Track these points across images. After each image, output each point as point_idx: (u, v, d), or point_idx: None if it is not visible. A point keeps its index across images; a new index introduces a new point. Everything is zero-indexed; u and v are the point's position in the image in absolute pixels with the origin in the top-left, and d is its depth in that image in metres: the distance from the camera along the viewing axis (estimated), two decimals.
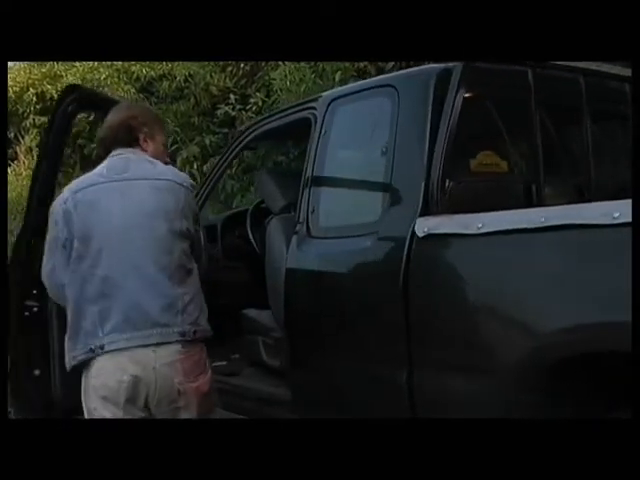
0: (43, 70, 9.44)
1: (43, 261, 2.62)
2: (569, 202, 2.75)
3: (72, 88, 3.56)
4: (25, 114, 9.40)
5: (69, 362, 2.51)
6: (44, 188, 3.30)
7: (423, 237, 2.58)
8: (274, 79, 7.27)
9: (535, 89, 2.85)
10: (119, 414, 2.41)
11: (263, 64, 7.99)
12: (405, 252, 2.63)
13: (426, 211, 2.66)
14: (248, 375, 3.84)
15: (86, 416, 2.51)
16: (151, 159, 2.65)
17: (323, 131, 3.24)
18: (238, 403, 3.65)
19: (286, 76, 7.07)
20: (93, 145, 8.70)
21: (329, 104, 3.27)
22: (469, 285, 2.48)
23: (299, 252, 3.19)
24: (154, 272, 2.44)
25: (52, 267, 2.58)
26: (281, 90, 7.05)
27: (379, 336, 2.78)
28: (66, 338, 2.53)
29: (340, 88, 3.72)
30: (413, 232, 2.62)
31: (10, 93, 9.22)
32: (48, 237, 2.59)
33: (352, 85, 3.61)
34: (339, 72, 6.86)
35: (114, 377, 2.40)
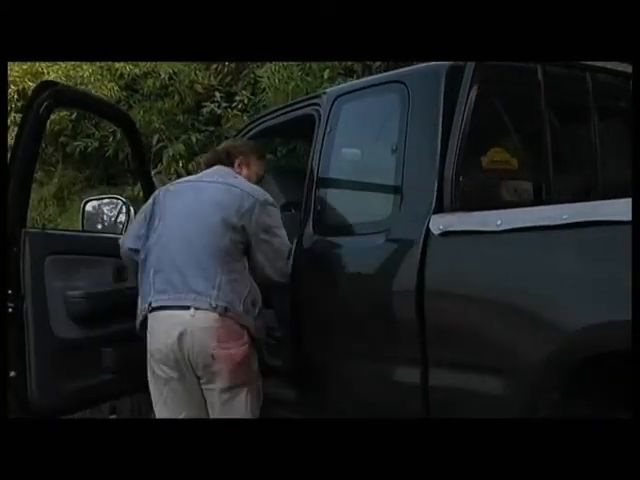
0: (24, 67, 9.25)
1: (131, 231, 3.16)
2: (577, 200, 2.74)
3: (46, 84, 3.45)
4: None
5: (138, 317, 2.95)
6: (18, 188, 3.18)
7: (439, 235, 2.56)
8: (261, 77, 7.22)
9: (545, 86, 2.83)
10: (171, 373, 2.83)
11: (249, 62, 7.93)
12: (420, 250, 2.61)
13: (440, 208, 2.64)
14: None
15: (149, 375, 2.92)
16: (237, 175, 3.14)
17: (328, 128, 3.21)
18: None
19: (274, 74, 7.02)
20: (76, 143, 8.63)
21: (334, 101, 3.24)
22: (489, 283, 2.45)
23: (306, 251, 3.16)
24: (201, 250, 2.84)
25: (127, 234, 3.20)
26: (269, 88, 7.00)
27: (392, 335, 2.75)
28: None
29: (345, 84, 3.68)
30: (428, 229, 2.60)
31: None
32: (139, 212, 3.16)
33: (358, 81, 3.58)
34: (327, 70, 6.83)
35: (163, 341, 2.81)
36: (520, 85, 2.92)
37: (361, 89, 3.23)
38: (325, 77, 6.77)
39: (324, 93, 3.40)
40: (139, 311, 2.93)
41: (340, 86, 3.68)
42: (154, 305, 2.85)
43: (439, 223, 2.56)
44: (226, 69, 8.22)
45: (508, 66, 2.76)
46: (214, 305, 2.77)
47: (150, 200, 3.09)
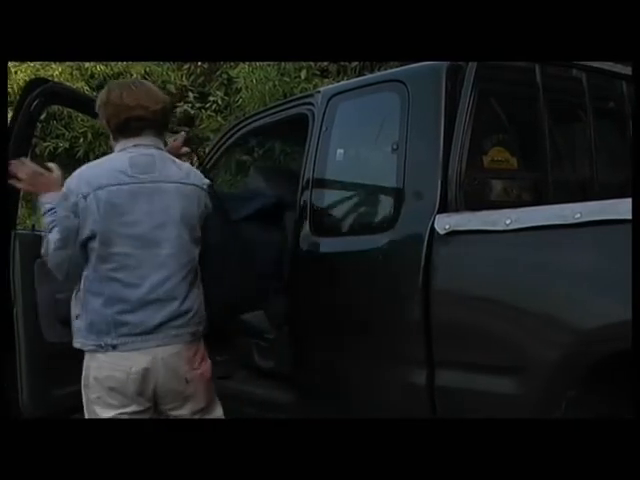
0: None
1: (52, 244, 2.48)
2: (576, 199, 2.75)
3: (38, 82, 3.36)
4: None
5: (76, 343, 2.49)
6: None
7: (445, 234, 2.54)
8: (236, 78, 7.16)
9: (544, 86, 2.83)
10: (126, 402, 2.42)
11: (222, 62, 7.88)
12: (424, 249, 2.59)
13: (443, 208, 2.63)
14: (241, 378, 3.75)
15: (85, 404, 2.51)
16: (174, 158, 2.60)
17: (324, 128, 3.17)
18: (232, 406, 3.56)
19: (249, 74, 6.97)
20: (46, 144, 8.47)
21: (329, 100, 3.21)
22: (499, 282, 2.45)
23: (303, 251, 3.12)
24: (177, 280, 2.46)
25: (70, 256, 2.47)
26: (245, 89, 6.94)
27: (396, 336, 2.73)
28: (77, 320, 2.49)
29: (340, 84, 3.66)
30: (432, 229, 2.58)
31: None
32: (63, 224, 2.45)
33: (354, 80, 3.56)
34: (303, 70, 6.80)
35: (122, 369, 2.41)
36: (519, 85, 2.93)
37: (357, 88, 3.20)
38: (302, 77, 6.75)
39: (318, 92, 3.36)
40: (87, 342, 2.47)
41: (335, 85, 3.66)
42: (122, 349, 2.44)
43: (445, 223, 2.55)
44: (199, 69, 8.16)
45: (509, 66, 2.76)
46: (193, 332, 2.51)
47: (72, 209, 2.47)
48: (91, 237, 2.41)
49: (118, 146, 2.53)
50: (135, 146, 2.50)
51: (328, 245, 3.07)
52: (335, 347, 2.98)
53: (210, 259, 2.55)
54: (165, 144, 2.71)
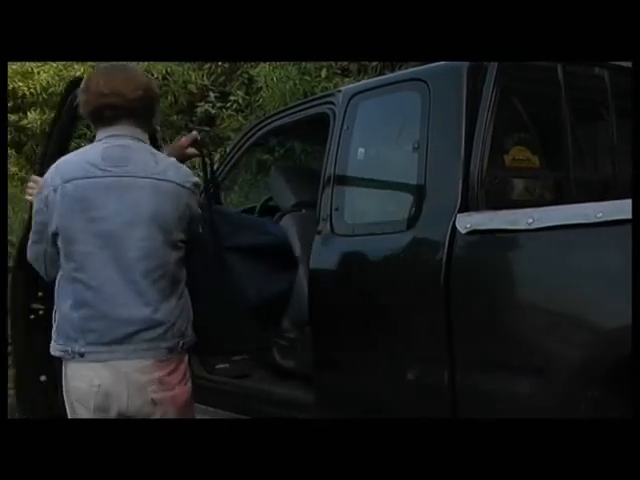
0: (14, 67, 9.16)
1: (30, 238, 2.37)
2: (598, 199, 2.73)
3: (81, 80, 3.38)
4: None
5: (51, 349, 2.34)
6: None
7: (466, 233, 2.53)
8: (257, 77, 7.18)
9: (566, 84, 2.82)
10: (91, 416, 2.26)
11: (242, 62, 7.90)
12: (445, 248, 2.58)
13: (465, 207, 2.62)
14: (260, 377, 3.76)
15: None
16: (153, 150, 2.37)
17: (345, 127, 3.17)
18: (251, 406, 3.57)
19: (270, 73, 6.98)
20: None
21: (350, 99, 3.21)
22: (521, 282, 2.44)
23: (324, 251, 3.12)
24: (145, 285, 2.24)
25: (44, 251, 2.35)
26: (266, 88, 6.95)
27: (415, 335, 2.72)
28: (53, 322, 2.34)
29: (362, 83, 3.65)
30: (454, 228, 2.57)
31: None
32: (37, 217, 2.32)
33: (375, 79, 3.55)
34: (324, 70, 6.81)
35: (86, 380, 2.24)
36: (541, 83, 2.91)
37: (378, 87, 3.20)
38: (322, 76, 6.76)
39: (339, 91, 3.37)
40: (57, 347, 2.33)
41: (356, 84, 3.65)
42: (88, 358, 2.27)
43: (466, 222, 2.54)
44: (219, 69, 8.18)
45: (531, 64, 2.75)
46: (170, 347, 2.29)
47: (44, 201, 2.34)
48: (55, 232, 2.27)
49: (97, 137, 2.37)
50: (111, 137, 2.32)
51: (349, 245, 3.07)
52: (356, 347, 2.98)
53: (190, 273, 2.39)
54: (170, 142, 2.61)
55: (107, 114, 2.31)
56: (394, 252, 2.85)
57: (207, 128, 7.75)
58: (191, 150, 2.72)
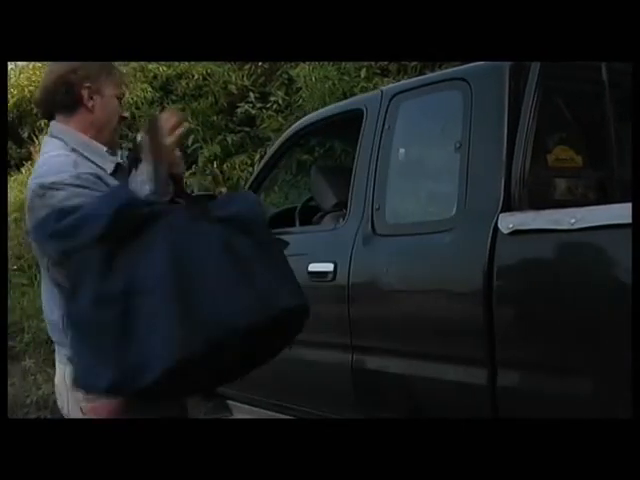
0: None
1: None
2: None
3: None
4: (40, 114, 9.24)
5: None
6: None
7: (508, 233, 2.53)
8: (297, 77, 7.20)
9: (609, 83, 2.80)
10: None
11: (282, 62, 7.93)
12: (487, 248, 2.58)
13: (507, 207, 2.61)
14: None
15: None
16: (54, 143, 2.10)
17: (386, 126, 3.18)
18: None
19: (309, 73, 7.00)
20: None
21: (391, 99, 3.21)
22: (562, 282, 2.42)
23: (364, 250, 3.13)
24: (43, 292, 2.14)
25: None
26: (306, 87, 6.97)
27: (457, 335, 2.72)
28: None
29: (402, 82, 3.65)
30: (496, 228, 2.57)
31: (25, 93, 9.15)
32: None
33: (416, 79, 3.54)
34: (363, 70, 6.81)
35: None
36: (585, 82, 2.89)
37: (420, 87, 3.20)
38: (362, 76, 6.75)
39: (381, 91, 3.38)
40: None
41: (397, 84, 3.66)
42: None
43: (509, 222, 2.53)
44: (259, 70, 8.22)
45: (574, 64, 2.73)
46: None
47: None
48: None
49: None
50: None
51: (390, 245, 3.07)
52: (396, 348, 2.98)
53: None
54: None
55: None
56: (436, 252, 2.84)
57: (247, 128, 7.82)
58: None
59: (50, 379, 5.99)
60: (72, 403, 2.08)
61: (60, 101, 2.10)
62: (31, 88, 9.27)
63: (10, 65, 10.56)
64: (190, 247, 1.82)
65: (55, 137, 2.11)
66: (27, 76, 9.44)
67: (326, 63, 6.92)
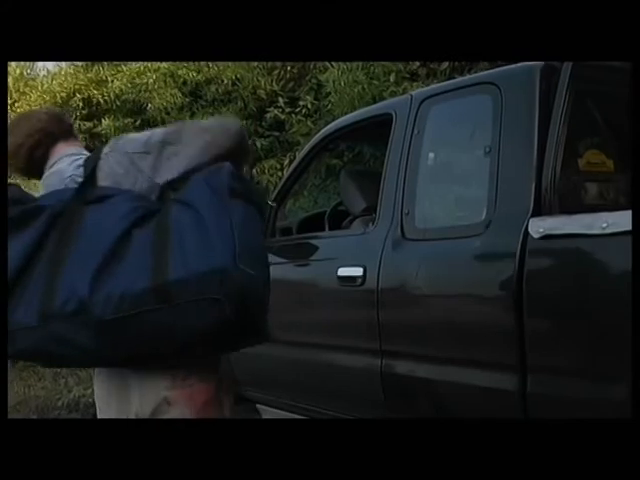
0: (89, 75, 9.42)
1: None
2: None
3: None
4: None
5: None
6: None
7: (539, 237, 2.51)
8: (326, 81, 7.21)
9: None
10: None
11: (311, 67, 7.96)
12: (518, 253, 2.56)
13: (537, 211, 2.60)
14: None
15: None
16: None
17: (416, 131, 3.18)
18: None
19: (338, 78, 7.00)
20: None
21: (421, 103, 3.21)
22: (594, 287, 2.40)
23: (394, 255, 3.13)
24: None
25: None
26: (335, 92, 6.98)
27: (487, 340, 2.71)
28: None
29: (432, 87, 3.65)
30: (526, 232, 2.55)
31: (57, 98, 9.24)
32: None
33: (446, 83, 3.53)
34: (392, 74, 6.80)
35: None
36: (616, 85, 2.86)
37: (449, 91, 3.19)
38: (391, 81, 6.75)
39: (410, 96, 3.37)
40: None
41: (426, 88, 3.67)
42: None
43: (539, 226, 2.52)
44: (288, 74, 8.26)
45: (606, 65, 2.71)
46: None
47: None
48: None
49: None
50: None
51: (420, 249, 3.07)
52: (426, 353, 2.98)
53: None
54: None
55: None
56: (466, 257, 2.83)
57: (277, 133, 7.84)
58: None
59: (81, 382, 6.06)
60: (148, 396, 1.94)
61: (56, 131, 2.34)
62: (63, 94, 9.35)
63: (42, 72, 10.72)
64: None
65: None
66: (59, 82, 9.53)
67: (355, 67, 6.92)
